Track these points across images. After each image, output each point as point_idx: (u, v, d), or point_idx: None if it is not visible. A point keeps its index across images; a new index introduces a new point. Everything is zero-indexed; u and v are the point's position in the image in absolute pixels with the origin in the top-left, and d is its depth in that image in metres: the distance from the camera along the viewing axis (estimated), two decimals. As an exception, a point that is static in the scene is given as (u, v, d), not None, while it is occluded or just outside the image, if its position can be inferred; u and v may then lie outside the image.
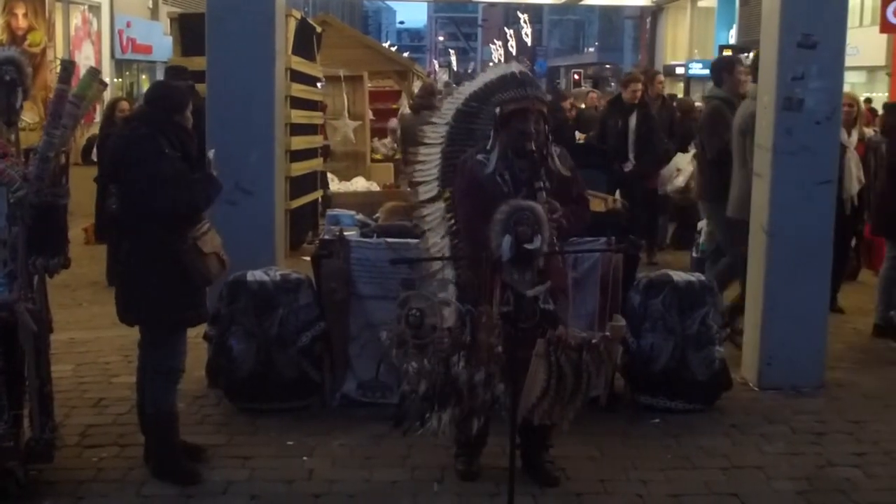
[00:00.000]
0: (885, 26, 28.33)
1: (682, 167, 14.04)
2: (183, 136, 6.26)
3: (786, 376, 8.20)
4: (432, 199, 6.43)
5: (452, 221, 6.33)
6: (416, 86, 20.59)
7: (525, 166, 5.94)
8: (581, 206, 6.21)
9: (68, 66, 6.41)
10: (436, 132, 6.48)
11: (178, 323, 6.37)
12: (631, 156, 13.62)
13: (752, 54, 36.88)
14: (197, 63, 10.44)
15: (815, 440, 7.22)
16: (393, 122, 18.33)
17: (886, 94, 25.68)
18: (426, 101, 15.23)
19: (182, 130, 6.27)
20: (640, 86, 13.99)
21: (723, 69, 10.69)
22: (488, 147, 6.06)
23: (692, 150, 13.87)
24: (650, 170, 13.99)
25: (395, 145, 17.89)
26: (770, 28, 8.26)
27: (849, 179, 10.30)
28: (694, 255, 11.84)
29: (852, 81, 26.70)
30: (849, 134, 10.44)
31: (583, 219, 6.26)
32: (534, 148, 5.90)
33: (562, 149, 6.29)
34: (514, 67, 6.34)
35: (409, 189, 6.85)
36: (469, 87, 6.49)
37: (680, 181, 14.06)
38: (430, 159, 6.47)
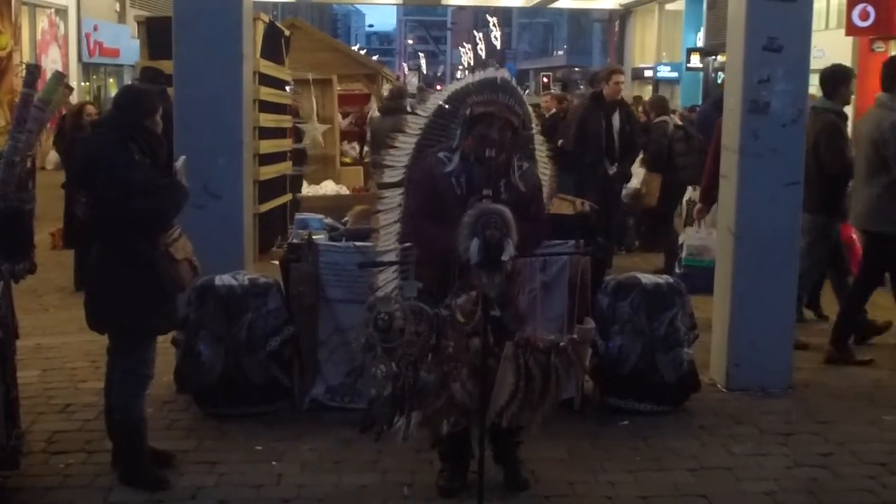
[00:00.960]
0: (851, 29, 28.51)
1: (635, 171, 13.97)
2: (153, 141, 6.23)
3: (753, 377, 8.23)
4: (394, 185, 6.41)
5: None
6: (386, 89, 20.57)
7: (483, 173, 5.88)
8: (535, 225, 6.04)
9: (34, 70, 6.38)
10: (416, 123, 6.48)
11: (149, 330, 6.35)
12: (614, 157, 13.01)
13: (719, 58, 37.01)
14: (164, 67, 10.41)
15: (783, 441, 7.26)
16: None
17: (853, 96, 25.68)
18: (395, 104, 15.26)
19: (152, 135, 6.24)
20: (622, 78, 13.52)
21: (839, 81, 9.84)
22: (453, 146, 6.05)
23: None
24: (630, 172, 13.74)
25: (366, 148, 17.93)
26: (736, 31, 8.30)
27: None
28: (677, 270, 12.01)
29: (817, 84, 26.74)
30: None
31: (534, 238, 6.11)
32: (492, 155, 5.85)
33: (530, 164, 6.26)
34: (499, 74, 6.32)
35: (374, 171, 6.84)
36: (454, 86, 6.47)
37: (634, 184, 14.02)
38: (404, 147, 6.45)
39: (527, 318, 5.96)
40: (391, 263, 6.21)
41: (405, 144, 6.44)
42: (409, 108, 16.29)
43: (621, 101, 13.45)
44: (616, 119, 13.05)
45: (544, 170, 6.62)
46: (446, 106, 6.34)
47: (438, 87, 24.70)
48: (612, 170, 12.90)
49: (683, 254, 12.48)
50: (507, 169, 5.99)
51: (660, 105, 15.08)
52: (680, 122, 14.60)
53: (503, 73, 6.33)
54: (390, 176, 6.44)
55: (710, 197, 10.97)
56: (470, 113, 5.98)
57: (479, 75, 6.33)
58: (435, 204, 5.85)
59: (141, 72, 11.69)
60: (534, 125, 6.65)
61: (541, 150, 6.68)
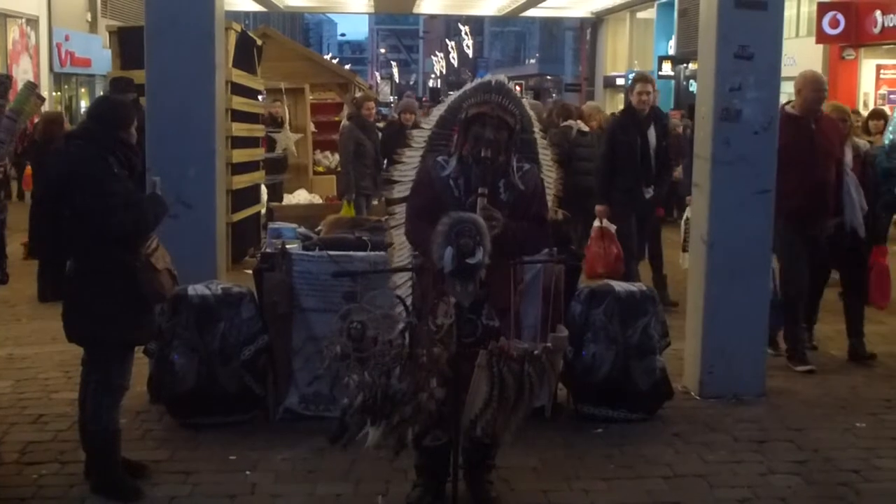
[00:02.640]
0: (821, 37, 28.71)
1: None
2: (129, 152, 6.22)
3: (727, 385, 8.25)
4: (403, 200, 6.46)
5: None
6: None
7: (481, 174, 5.90)
8: (536, 225, 6.06)
9: (5, 81, 6.37)
10: (421, 136, 6.57)
11: (129, 341, 6.34)
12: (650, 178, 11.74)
13: (690, 65, 37.12)
14: (136, 76, 10.39)
15: (757, 448, 7.27)
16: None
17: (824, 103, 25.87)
18: (353, 113, 15.39)
19: (128, 147, 6.23)
20: (647, 88, 11.74)
21: None
22: (452, 150, 6.09)
23: None
24: (666, 195, 13.15)
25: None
26: (707, 39, 8.33)
27: (850, 208, 9.35)
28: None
29: (789, 91, 26.96)
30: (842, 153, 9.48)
31: (535, 237, 6.12)
32: (489, 154, 5.86)
33: (532, 166, 6.25)
34: (495, 77, 6.34)
35: (386, 187, 6.87)
36: (453, 96, 6.54)
37: None
38: (410, 161, 6.53)
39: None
40: (364, 273, 6.22)
41: (411, 158, 6.53)
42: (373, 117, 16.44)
43: (656, 113, 12.13)
44: (651, 135, 11.69)
45: (549, 173, 6.66)
46: (446, 116, 6.46)
47: (408, 94, 24.66)
48: (649, 193, 11.74)
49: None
50: (506, 169, 6.00)
51: (566, 110, 15.15)
52: (585, 129, 14.52)
53: (499, 77, 6.35)
54: (399, 191, 6.51)
55: None
56: (465, 115, 6.02)
57: (476, 82, 6.38)
58: (433, 206, 5.83)
59: (112, 82, 11.66)
60: (536, 129, 6.67)
61: (545, 153, 6.72)
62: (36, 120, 15.06)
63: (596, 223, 11.77)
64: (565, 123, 14.29)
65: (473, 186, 5.89)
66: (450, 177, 5.98)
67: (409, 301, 5.91)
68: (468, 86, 6.43)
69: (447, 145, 6.31)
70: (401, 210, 6.49)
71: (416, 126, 7.10)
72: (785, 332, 9.39)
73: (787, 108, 9.16)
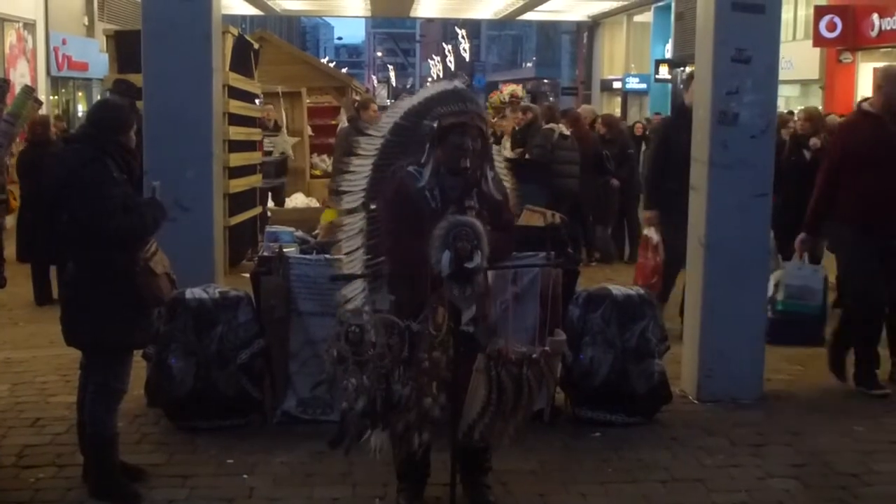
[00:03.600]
0: (818, 40, 28.71)
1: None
2: (127, 156, 6.22)
3: (725, 388, 8.25)
4: (354, 211, 6.34)
5: (371, 236, 6.24)
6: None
7: (457, 184, 5.85)
8: (506, 234, 6.02)
9: (2, 85, 6.38)
10: (371, 144, 6.37)
11: (128, 345, 6.34)
12: None
13: (688, 69, 37.16)
14: (134, 80, 10.38)
15: (755, 452, 7.27)
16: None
17: (820, 107, 25.95)
18: (353, 116, 15.37)
19: (127, 151, 6.23)
20: None
21: None
22: (422, 161, 5.96)
23: None
24: None
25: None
26: (704, 43, 8.33)
27: None
28: (770, 315, 9.58)
29: (786, 95, 26.91)
30: None
31: (505, 246, 6.06)
32: (468, 165, 5.82)
33: (496, 173, 6.21)
34: (455, 83, 6.33)
35: (330, 197, 6.72)
36: (408, 102, 6.40)
37: None
38: (360, 170, 6.35)
39: (497, 330, 5.93)
40: (364, 276, 6.20)
41: (361, 167, 6.34)
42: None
43: None
44: None
45: (505, 180, 6.58)
46: (403, 123, 6.30)
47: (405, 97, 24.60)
48: None
49: (781, 295, 10.23)
50: (478, 178, 5.96)
51: (550, 113, 15.51)
52: (567, 132, 14.59)
53: (458, 82, 6.33)
54: (349, 202, 6.34)
55: (816, 227, 9.10)
56: (438, 125, 5.91)
57: (433, 88, 6.32)
58: (411, 219, 5.76)
59: (113, 84, 11.65)
60: (490, 136, 6.66)
61: (498, 160, 6.65)
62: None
63: (645, 231, 11.30)
64: (547, 126, 14.41)
65: (449, 197, 5.84)
66: (425, 188, 5.87)
67: (366, 308, 5.88)
68: (426, 93, 6.36)
69: (402, 155, 6.18)
70: (350, 222, 6.33)
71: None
72: (858, 353, 8.78)
73: (865, 105, 8.96)
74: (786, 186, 10.88)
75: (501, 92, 26.43)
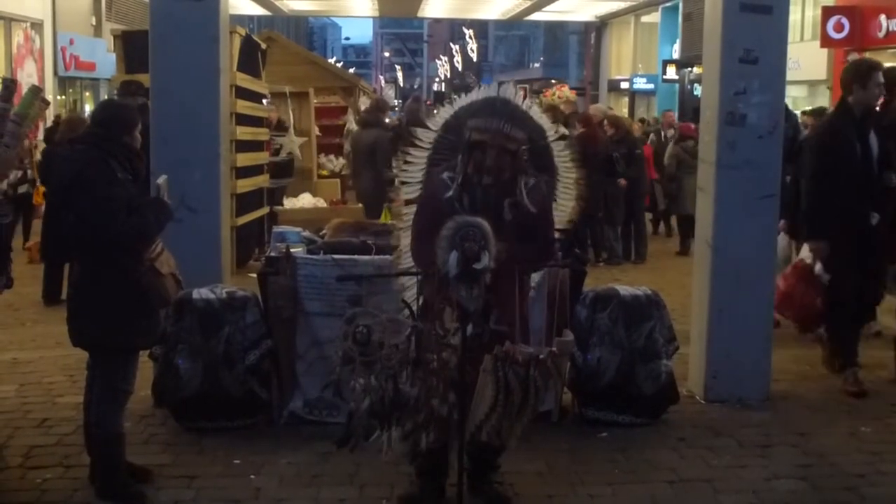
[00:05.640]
0: (826, 41, 28.62)
1: None
2: (132, 157, 6.22)
3: (732, 389, 8.25)
4: (413, 201, 6.46)
5: None
6: (363, 101, 20.57)
7: (486, 195, 5.91)
8: (542, 246, 6.08)
9: (10, 85, 6.36)
10: (426, 136, 6.53)
11: (134, 346, 6.33)
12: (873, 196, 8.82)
13: (695, 69, 37.02)
14: (141, 80, 10.39)
15: (762, 453, 7.27)
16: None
17: (828, 108, 25.92)
18: (374, 117, 15.24)
19: (131, 151, 6.22)
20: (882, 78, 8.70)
21: None
22: (457, 168, 6.02)
23: None
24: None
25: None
26: (712, 44, 8.32)
27: None
28: None
29: (794, 96, 26.84)
30: None
31: (540, 258, 6.13)
32: (490, 182, 5.87)
33: (538, 179, 6.17)
34: (502, 94, 6.35)
35: (393, 187, 6.80)
36: (462, 101, 6.51)
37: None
38: (417, 162, 6.52)
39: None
40: (369, 277, 6.21)
41: (417, 159, 6.52)
42: (387, 122, 16.34)
43: (880, 111, 9.18)
44: (873, 140, 8.70)
45: (567, 175, 6.64)
46: (452, 121, 6.42)
47: (415, 95, 24.56)
48: (875, 219, 8.60)
49: None
50: (512, 188, 5.95)
51: (550, 113, 15.26)
52: (565, 132, 14.65)
53: (505, 93, 6.34)
54: (407, 193, 6.52)
55: None
56: (469, 137, 5.98)
57: (485, 92, 6.36)
58: (437, 226, 5.73)
59: (122, 85, 11.65)
60: (551, 133, 6.61)
61: (561, 156, 6.66)
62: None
63: (803, 254, 9.33)
64: None
65: (478, 207, 5.86)
66: (454, 198, 5.94)
67: (414, 306, 5.89)
68: (475, 95, 6.43)
69: (452, 150, 6.27)
70: (409, 211, 6.47)
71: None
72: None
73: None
74: None
75: (556, 95, 26.43)
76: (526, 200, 5.98)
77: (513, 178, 5.97)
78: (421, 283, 5.91)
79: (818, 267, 8.79)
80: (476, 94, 6.43)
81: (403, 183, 6.58)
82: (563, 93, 23.28)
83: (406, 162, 6.57)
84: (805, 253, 9.18)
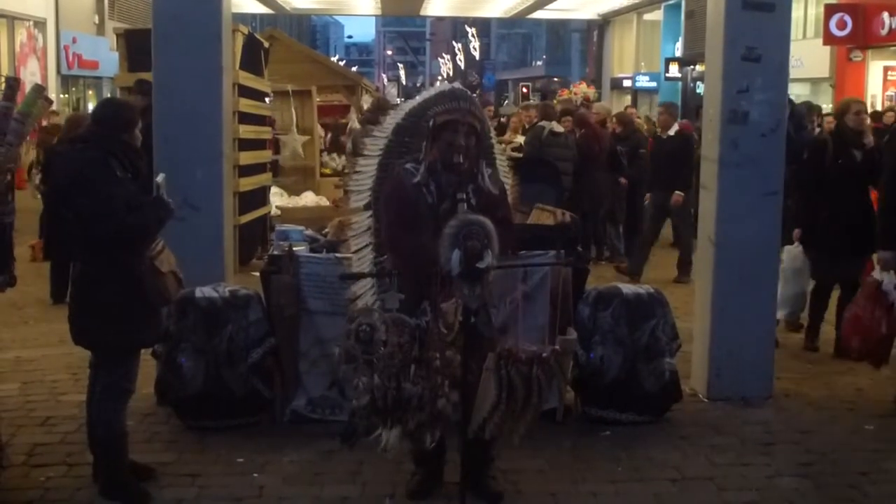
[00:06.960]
0: (828, 38, 28.65)
1: None
2: (132, 155, 6.21)
3: (734, 387, 8.24)
4: (362, 209, 6.51)
5: (378, 234, 6.41)
6: (366, 100, 20.53)
7: (452, 180, 6.00)
8: (504, 228, 5.97)
9: (13, 83, 6.37)
10: (376, 144, 6.59)
11: (135, 344, 6.33)
12: None
13: (697, 67, 37.04)
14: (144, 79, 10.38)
15: (765, 451, 7.27)
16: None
17: (830, 105, 25.94)
18: (373, 117, 15.23)
19: (132, 150, 6.21)
20: None
21: None
22: (420, 158, 6.13)
23: None
24: None
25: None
26: (715, 41, 8.32)
27: None
28: None
29: (796, 93, 26.85)
30: None
31: (504, 241, 5.94)
32: (461, 160, 5.96)
33: (493, 170, 6.37)
34: (452, 85, 6.48)
35: (341, 197, 6.90)
36: (410, 104, 6.61)
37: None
38: (366, 170, 6.57)
39: (507, 329, 5.94)
40: (374, 275, 6.21)
41: (367, 167, 6.55)
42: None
43: None
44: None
45: (506, 178, 6.72)
46: (404, 124, 6.49)
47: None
48: None
49: None
50: (474, 174, 6.08)
51: (544, 111, 15.62)
52: (559, 130, 14.74)
53: (456, 84, 6.50)
54: (356, 200, 6.56)
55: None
56: (433, 123, 6.07)
57: (433, 90, 6.46)
58: (408, 214, 5.92)
59: (136, 83, 11.62)
60: (493, 135, 6.83)
61: (501, 158, 6.85)
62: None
63: (875, 274, 8.56)
64: (538, 124, 14.59)
65: (445, 192, 5.98)
66: (421, 184, 6.02)
67: (376, 307, 5.94)
68: (426, 95, 6.50)
69: (405, 154, 6.37)
70: (358, 219, 6.55)
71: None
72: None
73: None
74: (832, 197, 9.66)
75: (575, 94, 26.42)
76: (488, 183, 6.12)
77: (476, 162, 6.10)
78: (400, 281, 5.92)
79: (886, 281, 8.23)
80: (427, 94, 6.51)
81: (352, 191, 6.61)
82: (580, 89, 23.30)
83: (356, 172, 6.62)
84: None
